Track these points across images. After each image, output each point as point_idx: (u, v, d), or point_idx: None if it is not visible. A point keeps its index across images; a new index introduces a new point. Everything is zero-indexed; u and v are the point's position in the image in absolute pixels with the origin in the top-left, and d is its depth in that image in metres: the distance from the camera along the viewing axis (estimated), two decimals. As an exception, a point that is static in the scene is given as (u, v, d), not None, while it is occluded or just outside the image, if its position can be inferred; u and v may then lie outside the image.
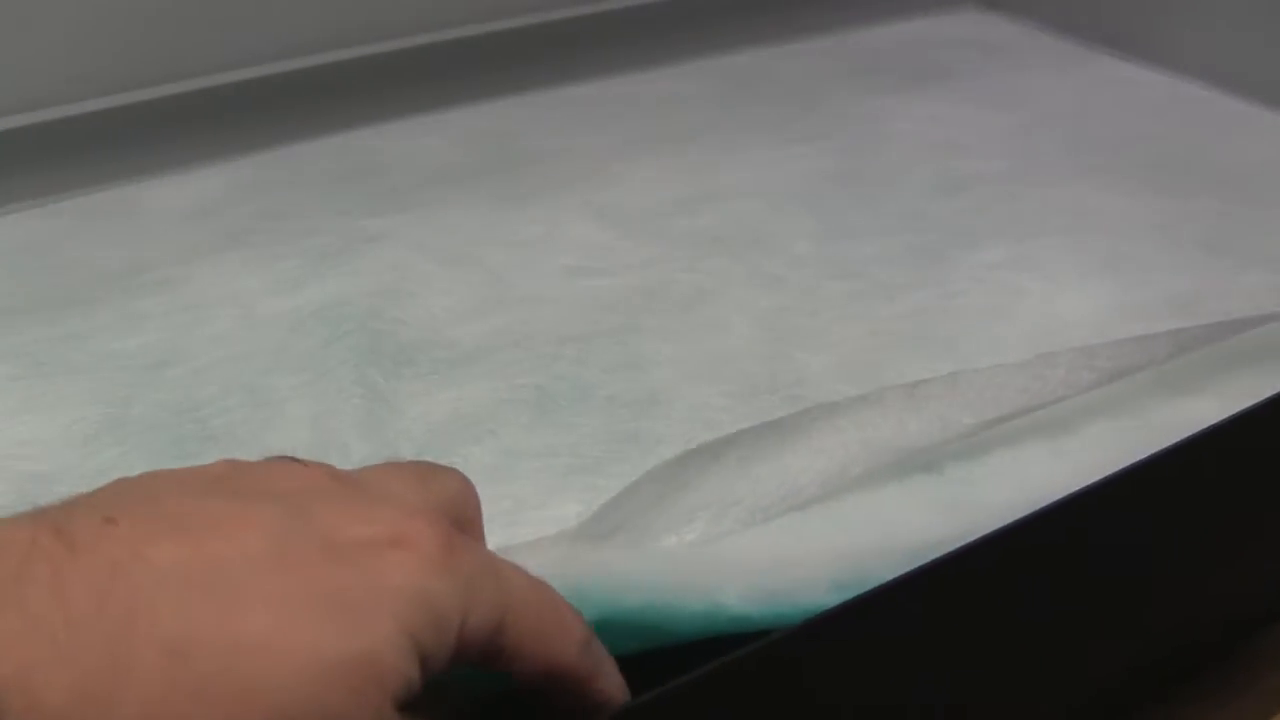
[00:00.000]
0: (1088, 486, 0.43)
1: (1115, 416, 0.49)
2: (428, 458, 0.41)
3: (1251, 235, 0.64)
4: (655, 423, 0.50)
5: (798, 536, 0.42)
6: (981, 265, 0.61)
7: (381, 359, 0.53)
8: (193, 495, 0.30)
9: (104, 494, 0.30)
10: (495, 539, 0.37)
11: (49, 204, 0.68)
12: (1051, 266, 0.61)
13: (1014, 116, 0.78)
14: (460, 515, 0.35)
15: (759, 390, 0.52)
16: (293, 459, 0.34)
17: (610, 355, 0.54)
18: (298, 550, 0.29)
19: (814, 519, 0.43)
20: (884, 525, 0.43)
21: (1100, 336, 0.51)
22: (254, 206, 0.67)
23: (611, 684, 0.35)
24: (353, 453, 0.47)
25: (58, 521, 0.27)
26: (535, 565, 0.34)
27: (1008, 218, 0.66)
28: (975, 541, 0.41)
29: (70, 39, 0.69)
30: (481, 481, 0.36)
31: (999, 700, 0.48)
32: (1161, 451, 0.45)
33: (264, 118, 0.73)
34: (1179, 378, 0.51)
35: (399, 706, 0.29)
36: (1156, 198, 0.68)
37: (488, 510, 0.36)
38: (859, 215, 0.66)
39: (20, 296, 0.59)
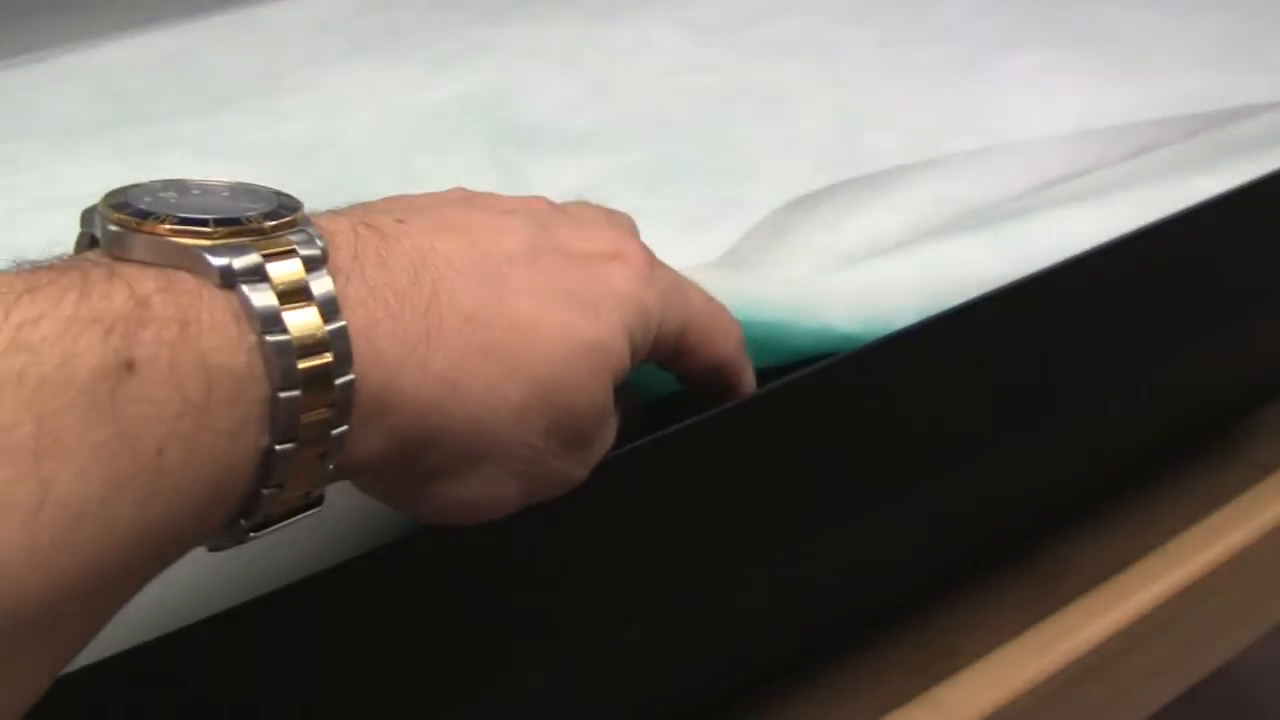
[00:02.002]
0: (1116, 238, 0.50)
1: (1142, 187, 0.56)
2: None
3: (1252, 48, 0.70)
4: (752, 188, 0.56)
5: (885, 274, 0.49)
6: (1021, 69, 0.68)
7: (508, 140, 0.60)
8: (451, 207, 0.36)
9: (379, 204, 0.36)
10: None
11: (184, 24, 0.74)
12: (1080, 72, 0.68)
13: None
14: None
15: (838, 163, 0.58)
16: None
17: (707, 137, 0.61)
18: (545, 254, 0.35)
19: (897, 262, 0.50)
20: (955, 265, 0.50)
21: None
22: (368, 23, 0.74)
23: (751, 380, 0.43)
24: (498, 215, 0.55)
25: (362, 218, 0.33)
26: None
27: (1040, 33, 0.72)
28: (1029, 276, 0.48)
29: None
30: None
31: (1043, 420, 0.56)
32: (1179, 212, 0.52)
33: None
34: (1195, 158, 0.58)
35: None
36: (1168, 16, 0.74)
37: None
38: (910, 29, 0.73)
39: (173, 98, 0.66)
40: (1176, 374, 0.65)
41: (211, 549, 0.30)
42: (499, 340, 0.33)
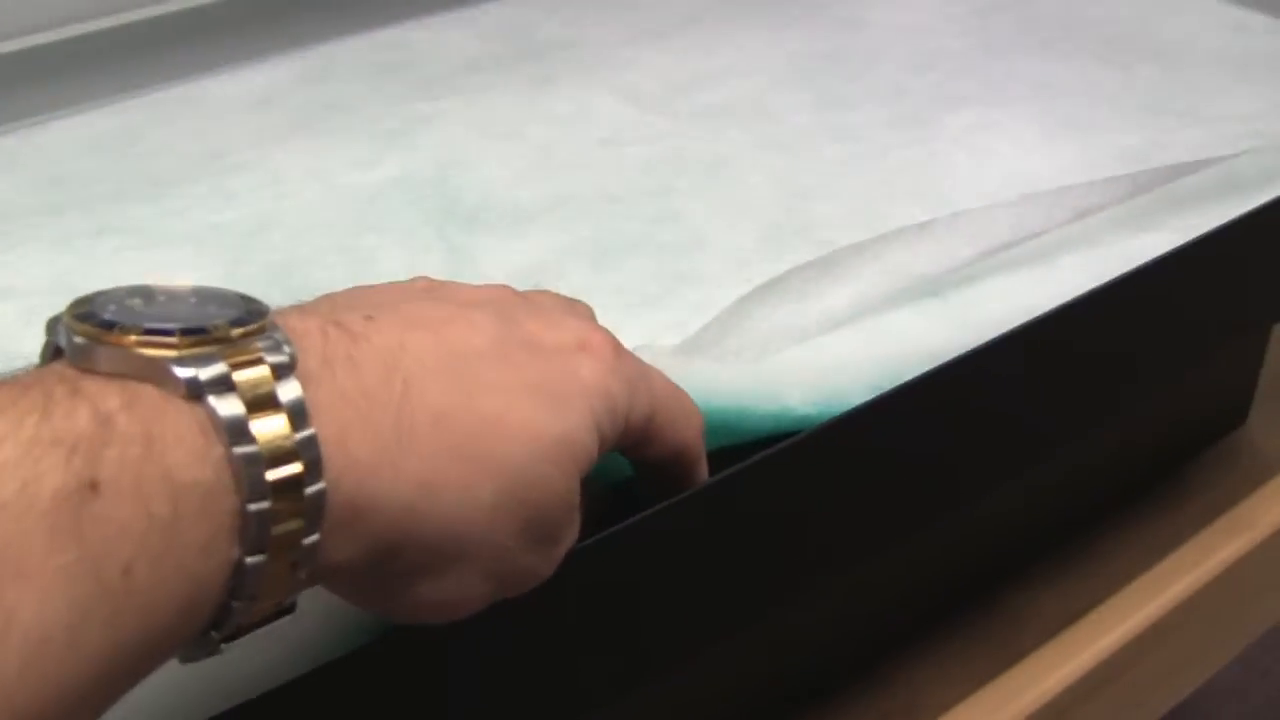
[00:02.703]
0: (1066, 302, 0.51)
1: (1086, 249, 0.57)
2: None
3: (1186, 98, 0.71)
4: (699, 263, 0.57)
5: (838, 352, 0.50)
6: (958, 129, 0.68)
7: (455, 218, 0.60)
8: (417, 301, 0.36)
9: (345, 298, 0.36)
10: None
11: (122, 101, 0.74)
12: (1017, 128, 0.68)
13: (969, 3, 0.85)
14: None
15: (783, 233, 0.59)
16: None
17: (652, 210, 0.61)
18: (513, 349, 0.36)
19: (848, 337, 0.51)
20: (904, 339, 0.51)
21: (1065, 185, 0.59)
22: (309, 97, 0.74)
23: (705, 467, 0.43)
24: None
25: (330, 317, 0.33)
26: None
27: (975, 89, 0.73)
28: (978, 347, 0.49)
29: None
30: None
31: (999, 479, 0.56)
32: (1128, 272, 0.53)
33: (305, 18, 0.80)
34: (1137, 216, 0.59)
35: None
36: (1103, 69, 0.75)
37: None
38: (847, 90, 0.73)
39: (115, 181, 0.66)
40: (1129, 422, 0.66)
41: (183, 660, 0.30)
42: (469, 439, 0.33)
